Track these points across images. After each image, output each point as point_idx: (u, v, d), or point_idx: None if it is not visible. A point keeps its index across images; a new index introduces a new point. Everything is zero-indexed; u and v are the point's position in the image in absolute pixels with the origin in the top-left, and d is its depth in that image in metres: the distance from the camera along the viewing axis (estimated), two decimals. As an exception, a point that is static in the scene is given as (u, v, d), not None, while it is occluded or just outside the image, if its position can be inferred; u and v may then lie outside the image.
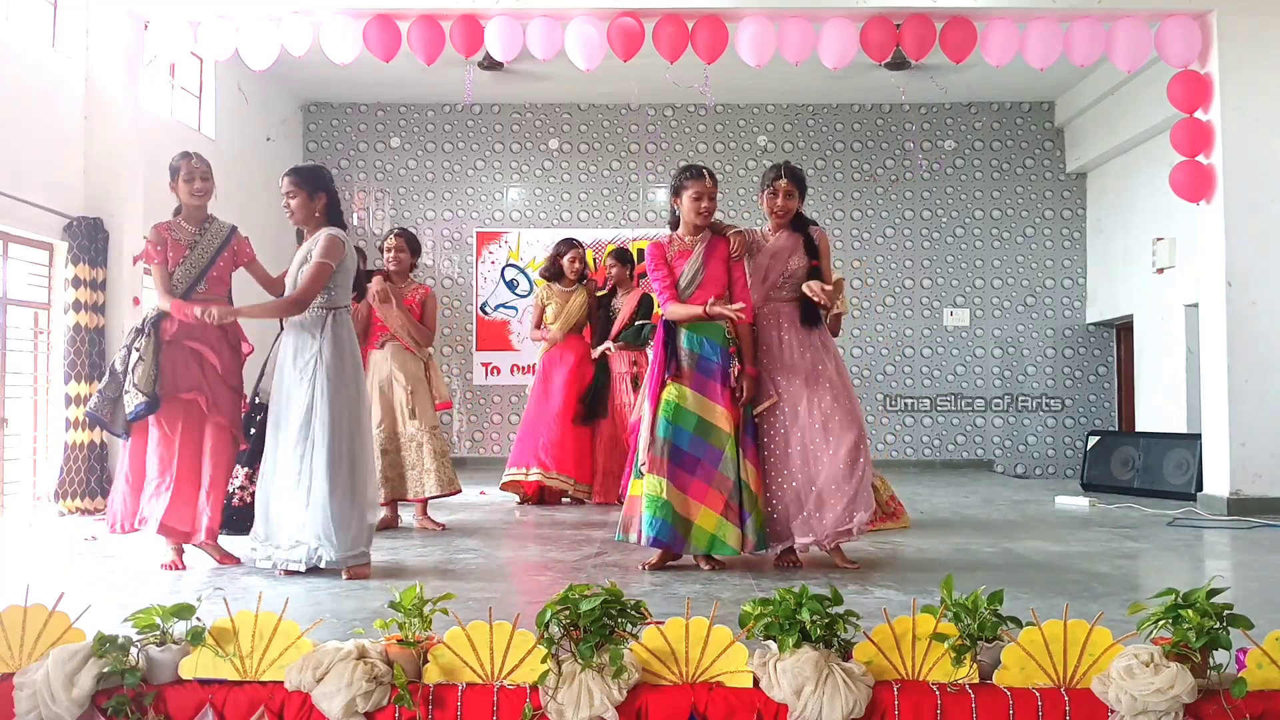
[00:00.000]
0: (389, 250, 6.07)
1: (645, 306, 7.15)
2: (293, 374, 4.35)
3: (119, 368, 4.59)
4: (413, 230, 7.36)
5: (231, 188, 9.46)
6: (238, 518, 5.71)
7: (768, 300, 4.62)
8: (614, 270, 7.30)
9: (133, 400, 4.49)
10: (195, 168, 4.72)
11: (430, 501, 5.99)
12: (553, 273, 7.30)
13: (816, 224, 4.77)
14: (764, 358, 4.57)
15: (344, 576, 4.27)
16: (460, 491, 6.13)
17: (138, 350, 4.53)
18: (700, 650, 2.47)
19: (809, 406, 4.50)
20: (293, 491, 4.28)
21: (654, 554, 4.54)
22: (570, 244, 7.35)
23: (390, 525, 5.89)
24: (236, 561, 4.73)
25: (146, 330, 4.57)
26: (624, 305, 7.24)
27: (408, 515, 6.14)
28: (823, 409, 4.50)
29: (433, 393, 6.12)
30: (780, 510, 4.51)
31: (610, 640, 2.41)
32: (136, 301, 7.25)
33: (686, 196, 4.47)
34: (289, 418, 4.32)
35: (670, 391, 4.44)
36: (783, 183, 4.58)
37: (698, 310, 4.37)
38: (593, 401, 7.16)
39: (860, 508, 4.42)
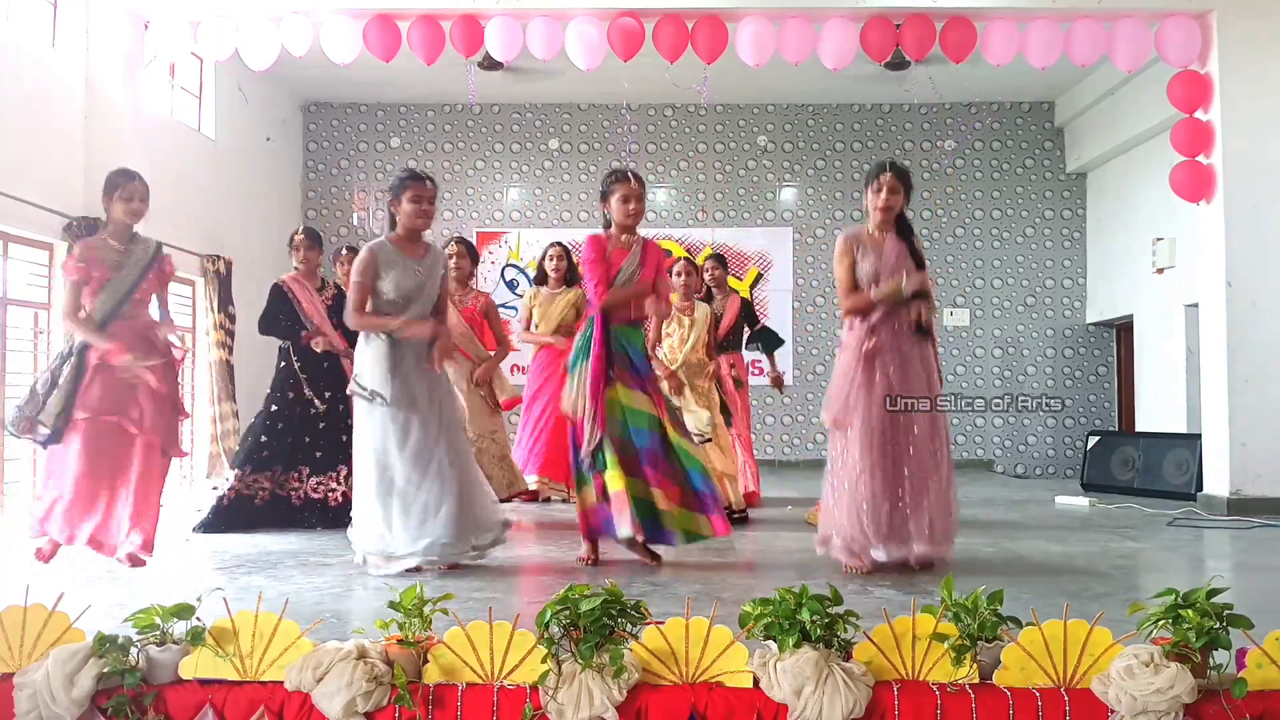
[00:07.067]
0: (449, 258, 6.07)
1: (748, 311, 6.92)
2: (422, 382, 4.46)
3: (39, 390, 4.52)
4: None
5: (231, 188, 9.53)
6: (244, 516, 5.74)
7: (889, 306, 4.46)
8: (717, 273, 6.85)
9: (40, 431, 4.48)
10: (137, 188, 4.63)
11: None
12: (539, 276, 7.15)
13: (914, 231, 4.67)
14: (888, 363, 4.43)
15: (440, 569, 4.48)
16: (521, 494, 6.53)
17: (60, 377, 4.48)
18: (700, 650, 2.47)
19: (921, 421, 4.42)
20: (429, 490, 4.41)
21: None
22: (553, 244, 7.18)
23: None
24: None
25: (71, 355, 4.51)
26: (726, 311, 6.79)
27: None
28: (926, 428, 4.43)
29: (498, 394, 6.38)
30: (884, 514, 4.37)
31: (610, 640, 2.41)
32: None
33: (615, 200, 4.57)
34: (428, 422, 4.44)
35: (618, 393, 4.49)
36: (887, 177, 4.45)
37: (631, 294, 4.56)
38: None
39: (949, 539, 4.50)
